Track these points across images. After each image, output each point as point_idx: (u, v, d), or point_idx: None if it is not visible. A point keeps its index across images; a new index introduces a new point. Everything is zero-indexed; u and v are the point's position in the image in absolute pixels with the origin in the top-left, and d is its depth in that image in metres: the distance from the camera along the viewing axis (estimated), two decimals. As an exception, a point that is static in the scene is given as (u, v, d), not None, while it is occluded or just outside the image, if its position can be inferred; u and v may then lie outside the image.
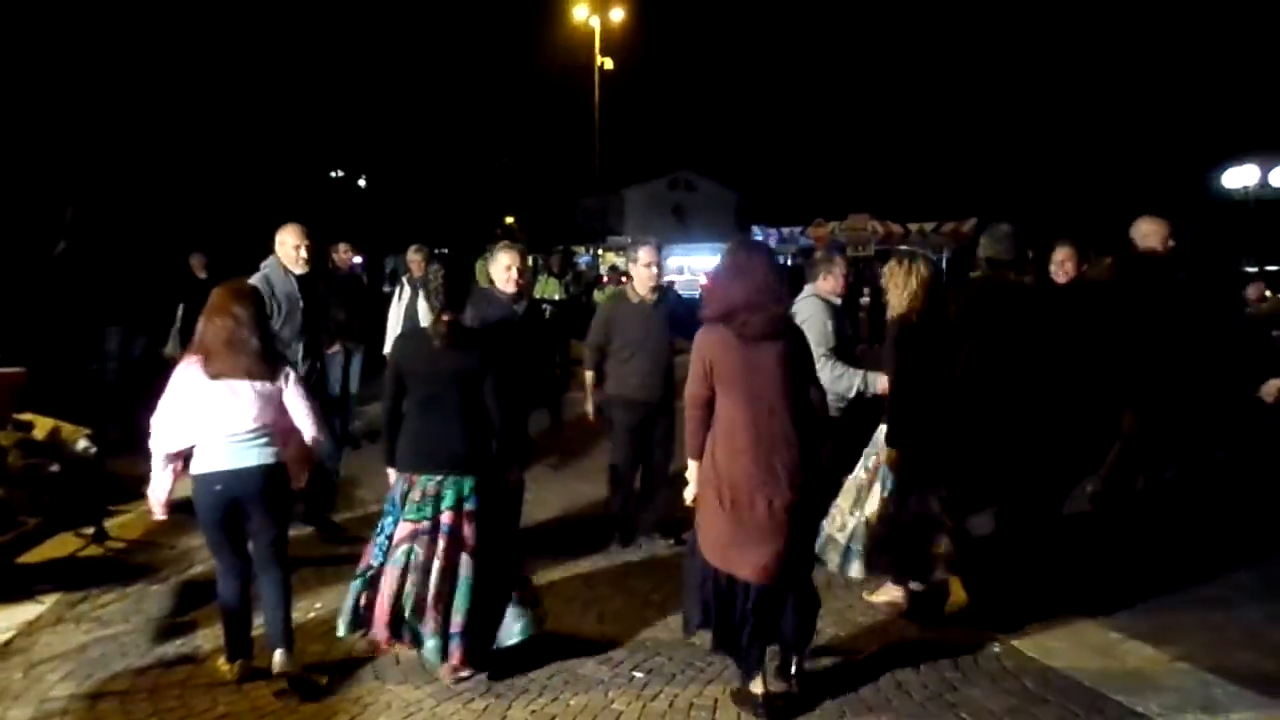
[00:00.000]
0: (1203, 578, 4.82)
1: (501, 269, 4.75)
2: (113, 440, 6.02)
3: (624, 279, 6.53)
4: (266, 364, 3.64)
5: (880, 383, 4.87)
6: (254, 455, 3.61)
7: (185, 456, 3.64)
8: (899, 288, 4.31)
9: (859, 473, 4.57)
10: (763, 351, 3.40)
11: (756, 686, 3.48)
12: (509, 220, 43.35)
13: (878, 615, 4.39)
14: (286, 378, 3.71)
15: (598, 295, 15.34)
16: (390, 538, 3.68)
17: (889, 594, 4.47)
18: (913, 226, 28.00)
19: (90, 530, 5.28)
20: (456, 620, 3.59)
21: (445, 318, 3.70)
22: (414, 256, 8.17)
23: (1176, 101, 39.16)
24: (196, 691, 3.65)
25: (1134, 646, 4.02)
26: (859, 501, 4.52)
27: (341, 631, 3.71)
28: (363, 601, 3.66)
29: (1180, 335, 5.10)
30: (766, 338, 3.40)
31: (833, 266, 5.35)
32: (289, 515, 3.89)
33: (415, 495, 3.67)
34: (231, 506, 3.62)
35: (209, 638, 4.04)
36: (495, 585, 3.69)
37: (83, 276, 8.01)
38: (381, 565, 3.66)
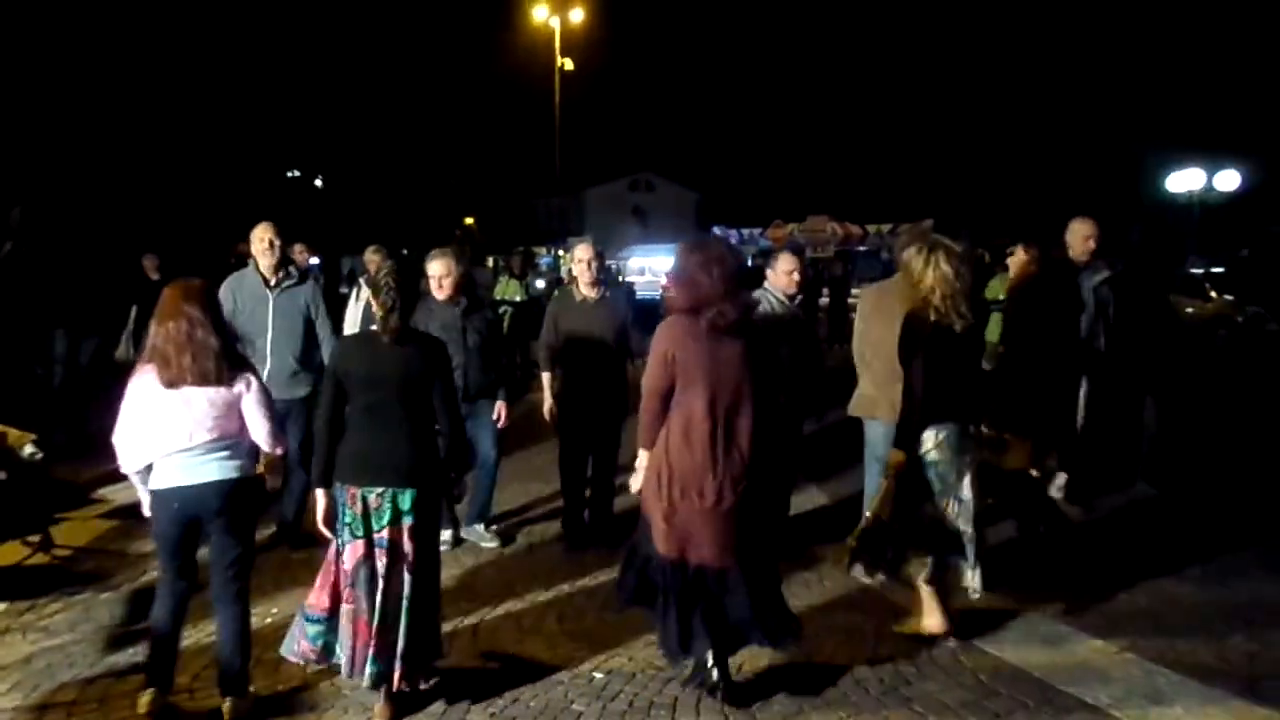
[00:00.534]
0: (1148, 572, 4.94)
1: (434, 281, 4.85)
2: (59, 446, 5.89)
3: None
4: (226, 368, 3.37)
5: None
6: (214, 469, 3.36)
7: None
8: (913, 279, 3.90)
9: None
10: (726, 345, 3.42)
11: (711, 674, 3.48)
12: (469, 221, 43.07)
13: (835, 612, 4.44)
14: (248, 383, 3.43)
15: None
16: (348, 559, 3.43)
17: (920, 622, 4.06)
18: (870, 228, 28.36)
19: (36, 538, 5.15)
20: (399, 642, 3.40)
21: (395, 315, 3.45)
22: (372, 257, 8.07)
23: (1126, 107, 40.09)
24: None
25: (1082, 639, 4.11)
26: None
27: (367, 684, 3.39)
28: (350, 637, 3.40)
29: (1093, 329, 5.61)
30: (734, 331, 3.42)
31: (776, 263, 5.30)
32: (253, 536, 3.63)
33: (357, 509, 3.42)
34: (190, 526, 3.40)
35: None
36: (430, 602, 3.56)
37: (29, 279, 7.82)
38: (350, 590, 3.42)
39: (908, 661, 3.92)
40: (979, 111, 45.51)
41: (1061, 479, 5.91)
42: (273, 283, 5.23)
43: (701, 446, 3.40)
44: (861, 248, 29.54)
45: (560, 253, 33.85)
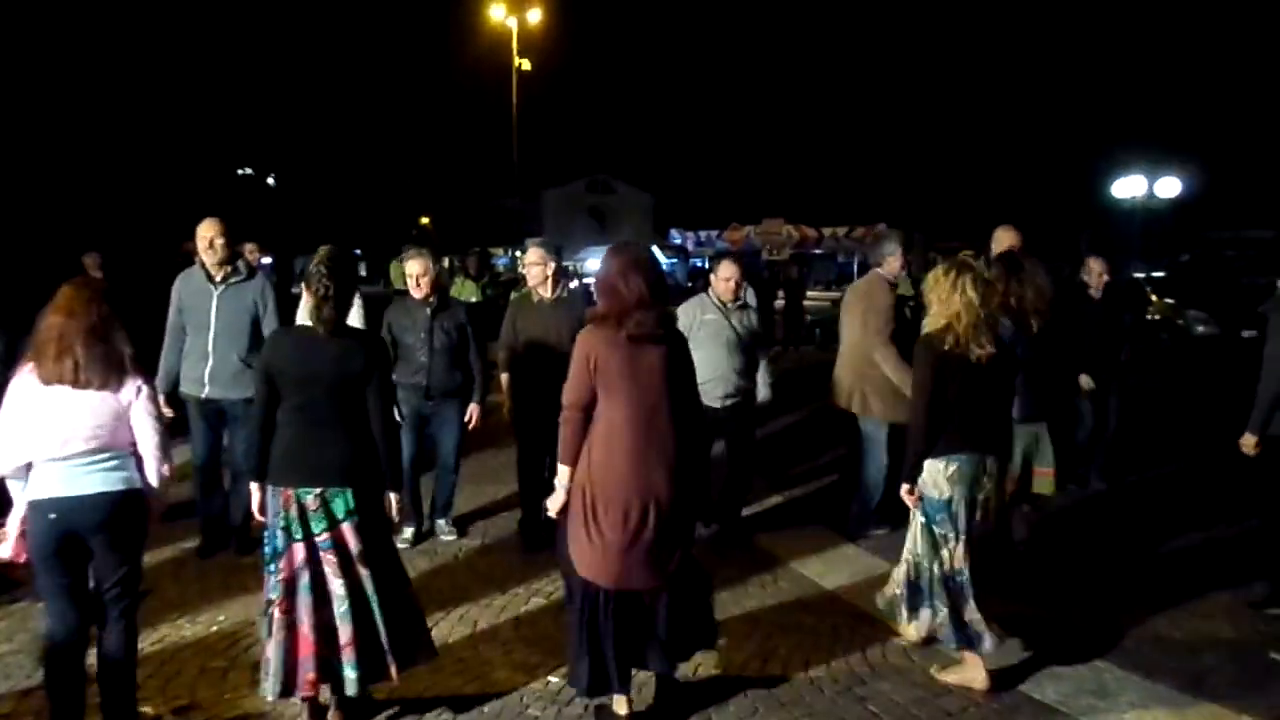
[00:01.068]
0: (1094, 570, 5.05)
1: (411, 279, 4.87)
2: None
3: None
4: (110, 371, 3.09)
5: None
6: (97, 480, 3.07)
7: None
8: (941, 301, 3.67)
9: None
10: (647, 352, 3.31)
11: (620, 707, 3.38)
12: (424, 220, 42.67)
13: (790, 613, 4.46)
14: (138, 391, 3.15)
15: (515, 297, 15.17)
16: (285, 565, 3.28)
17: (961, 673, 3.78)
18: (826, 231, 28.63)
19: (-29, 545, 4.96)
20: (383, 636, 3.30)
21: (329, 306, 3.28)
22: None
23: (1076, 113, 41.07)
24: (89, 711, 3.45)
25: (1030, 638, 4.17)
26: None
27: (270, 696, 3.25)
28: (284, 652, 3.23)
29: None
30: (653, 338, 3.32)
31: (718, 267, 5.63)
32: (140, 553, 3.30)
33: (293, 511, 3.26)
34: (68, 541, 3.07)
35: (102, 655, 3.83)
36: (402, 592, 3.46)
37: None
38: (285, 599, 3.26)
39: (862, 662, 3.96)
40: (933, 117, 46.38)
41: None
42: (217, 278, 5.11)
43: (626, 458, 3.25)
44: (817, 250, 29.82)
45: (518, 254, 33.68)
